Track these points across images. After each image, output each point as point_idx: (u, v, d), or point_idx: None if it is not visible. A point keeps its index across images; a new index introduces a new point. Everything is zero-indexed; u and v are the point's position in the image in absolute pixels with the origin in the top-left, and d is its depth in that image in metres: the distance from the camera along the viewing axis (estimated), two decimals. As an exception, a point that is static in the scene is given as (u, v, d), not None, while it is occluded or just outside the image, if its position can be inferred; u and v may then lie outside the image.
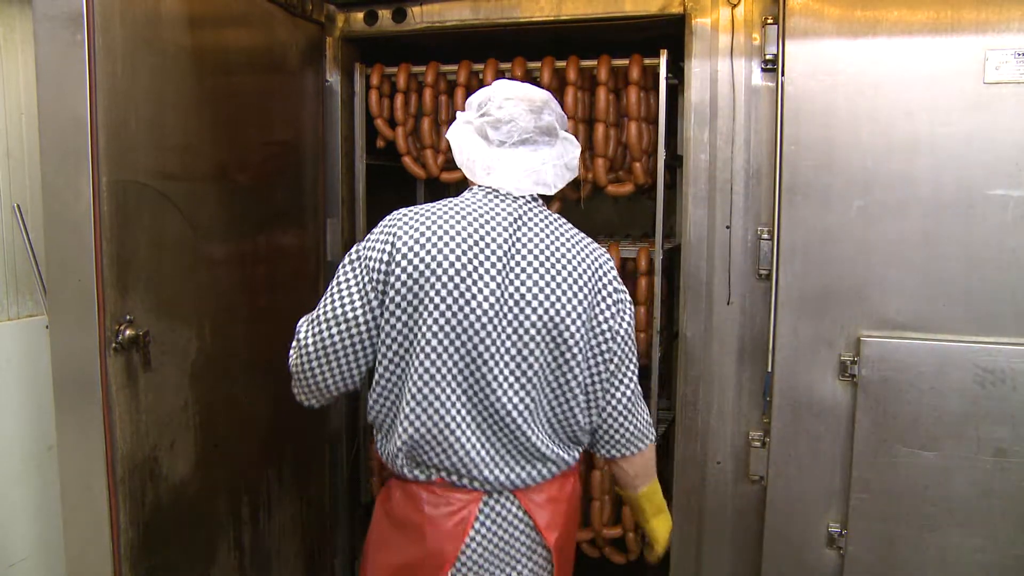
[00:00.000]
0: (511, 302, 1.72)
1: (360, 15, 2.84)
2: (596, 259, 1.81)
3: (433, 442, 1.75)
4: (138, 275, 1.92)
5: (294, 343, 1.80)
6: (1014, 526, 2.20)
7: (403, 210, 1.80)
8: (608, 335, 1.79)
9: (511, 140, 1.80)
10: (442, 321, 1.69)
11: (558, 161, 1.85)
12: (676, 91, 2.84)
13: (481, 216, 1.76)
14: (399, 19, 2.79)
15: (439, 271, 1.69)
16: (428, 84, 2.89)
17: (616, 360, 1.82)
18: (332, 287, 1.77)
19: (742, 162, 2.45)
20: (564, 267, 1.75)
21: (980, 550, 2.22)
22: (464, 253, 1.70)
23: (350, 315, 1.73)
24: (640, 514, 2.03)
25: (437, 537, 1.78)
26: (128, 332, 1.86)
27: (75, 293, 1.82)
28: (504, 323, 1.71)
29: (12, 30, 2.45)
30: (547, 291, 1.73)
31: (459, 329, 1.70)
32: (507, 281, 1.72)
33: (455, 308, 1.69)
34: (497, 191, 1.80)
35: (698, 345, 2.55)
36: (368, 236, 1.79)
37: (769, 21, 2.37)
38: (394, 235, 1.73)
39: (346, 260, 1.78)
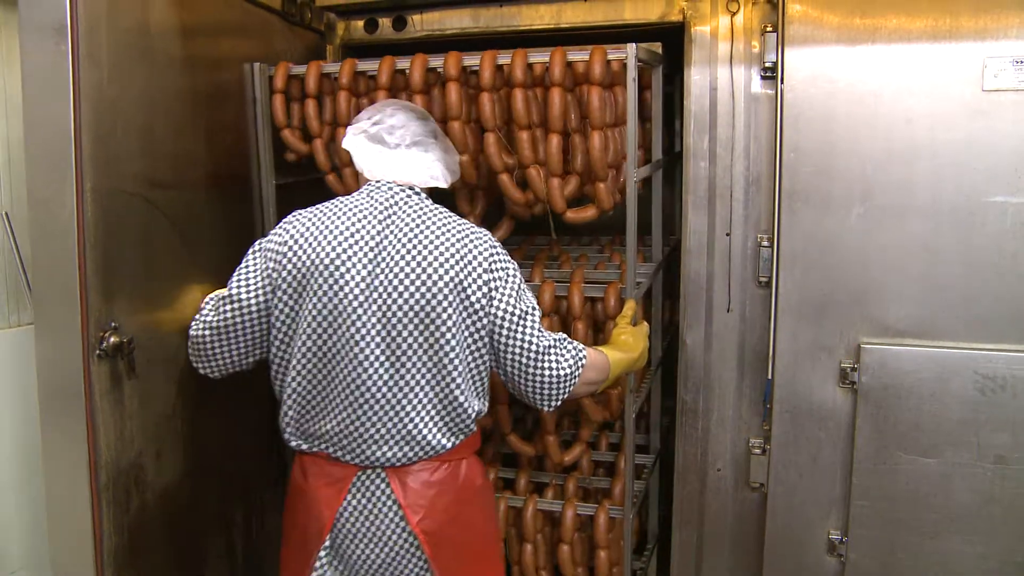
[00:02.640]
0: (381, 288, 1.83)
1: (360, 23, 2.84)
2: (469, 241, 1.89)
3: (313, 415, 1.94)
4: (123, 282, 1.93)
5: (197, 315, 2.00)
6: (1015, 533, 2.19)
7: (302, 210, 1.97)
8: (486, 309, 1.87)
9: (406, 142, 1.98)
10: (319, 307, 1.85)
11: (446, 159, 2.05)
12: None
13: (358, 210, 1.91)
14: (399, 27, 2.80)
15: (317, 263, 1.85)
16: (344, 86, 2.43)
17: (506, 328, 1.88)
18: (237, 271, 1.94)
19: (742, 169, 2.45)
20: (432, 251, 1.85)
21: (981, 557, 2.22)
22: (338, 245, 1.85)
23: (245, 299, 1.91)
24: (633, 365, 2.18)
25: (317, 503, 1.95)
26: (112, 339, 1.85)
27: (59, 300, 1.82)
28: (375, 307, 1.83)
29: (4, 38, 2.46)
30: (415, 274, 1.84)
31: (333, 314, 1.85)
32: (378, 268, 1.84)
33: (330, 295, 1.84)
34: (379, 186, 1.95)
35: (698, 352, 2.55)
36: (273, 230, 1.97)
37: (768, 29, 2.38)
38: (288, 232, 1.91)
39: (252, 249, 1.97)
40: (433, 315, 1.83)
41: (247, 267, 1.94)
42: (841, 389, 2.31)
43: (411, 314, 1.83)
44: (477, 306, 1.86)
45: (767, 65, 2.39)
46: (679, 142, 2.94)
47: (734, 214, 2.47)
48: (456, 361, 1.87)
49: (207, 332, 1.96)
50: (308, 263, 1.86)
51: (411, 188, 1.96)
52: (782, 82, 2.30)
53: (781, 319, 2.35)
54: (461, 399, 1.90)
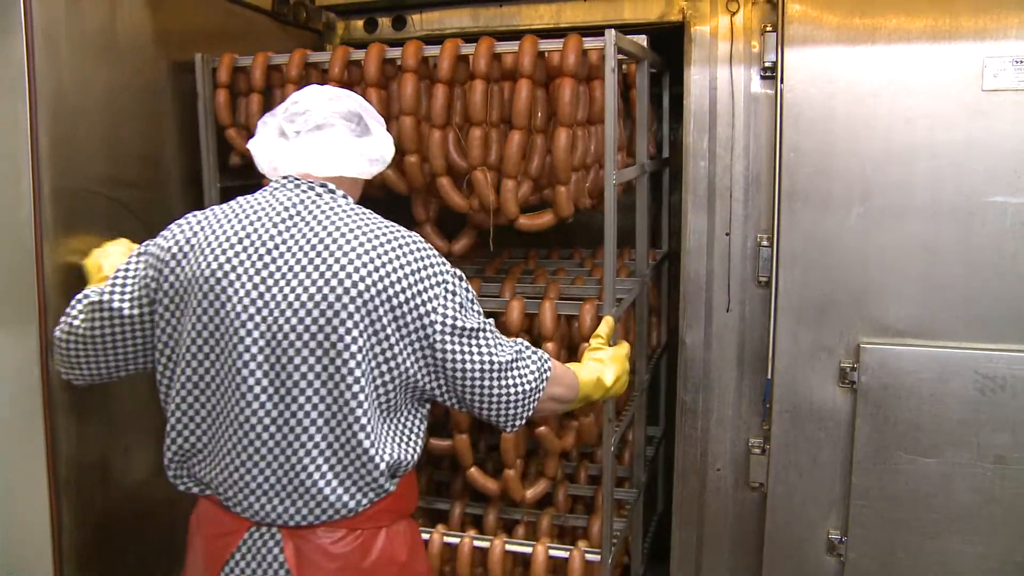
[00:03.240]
0: (272, 304, 1.53)
1: (360, 23, 2.85)
2: (391, 249, 1.56)
3: (198, 457, 1.65)
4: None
5: (64, 316, 1.69)
6: (1015, 533, 2.19)
7: (195, 212, 1.70)
8: (420, 332, 1.56)
9: (306, 128, 1.66)
10: (199, 327, 1.56)
11: (362, 143, 1.69)
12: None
13: (252, 212, 1.61)
14: (399, 27, 2.80)
15: (199, 275, 1.56)
16: (293, 79, 2.20)
17: (453, 350, 1.59)
18: (115, 274, 1.67)
19: (741, 169, 2.45)
20: (339, 260, 1.53)
21: (981, 557, 2.22)
22: (222, 254, 1.56)
23: (118, 308, 1.63)
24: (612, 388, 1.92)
25: (204, 556, 1.67)
26: None
27: (17, 298, 1.84)
28: (263, 327, 1.52)
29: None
30: (315, 288, 1.52)
31: (215, 336, 1.55)
32: (270, 280, 1.53)
33: (210, 313, 1.54)
34: (283, 183, 1.64)
35: (698, 352, 2.55)
36: (162, 232, 1.68)
37: (768, 28, 2.38)
38: (174, 237, 1.63)
39: (136, 250, 1.69)
40: (334, 338, 1.51)
41: (126, 272, 1.66)
42: (841, 389, 2.31)
43: (305, 337, 1.51)
44: (405, 330, 1.55)
45: (767, 65, 2.39)
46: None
47: (734, 214, 2.47)
48: (361, 398, 1.53)
49: (72, 339, 1.67)
50: (189, 275, 1.57)
51: (323, 185, 1.63)
52: (782, 82, 2.29)
53: (781, 319, 2.35)
54: (367, 446, 1.55)
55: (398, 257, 1.56)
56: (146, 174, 2.14)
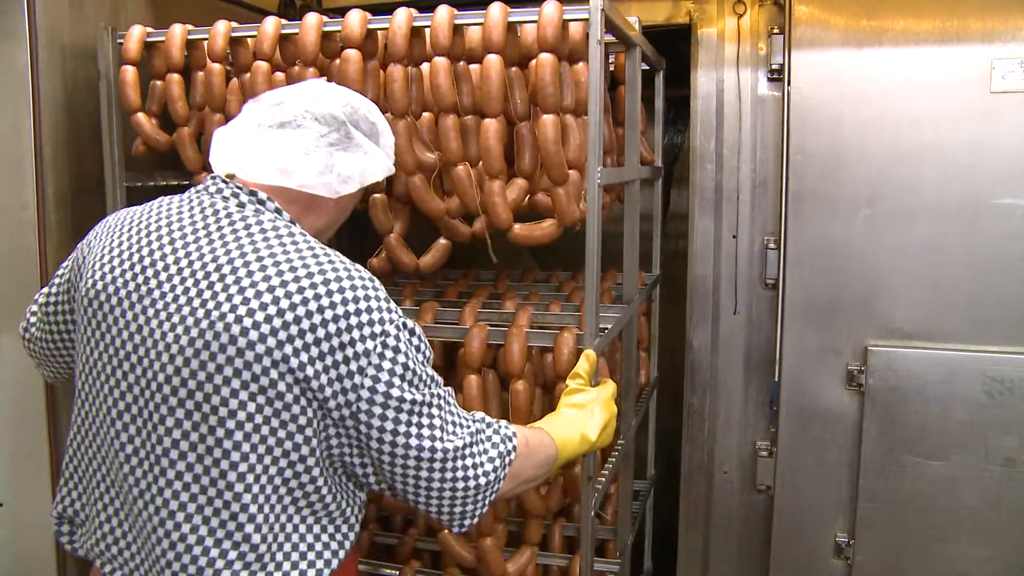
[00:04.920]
0: (148, 344, 1.24)
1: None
2: (313, 283, 1.22)
3: (85, 524, 1.39)
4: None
5: (26, 311, 1.60)
6: (1023, 537, 2.18)
7: (120, 210, 1.48)
8: (339, 400, 1.23)
9: (268, 122, 1.36)
10: (83, 359, 1.34)
11: (330, 160, 1.36)
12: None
13: (155, 220, 1.34)
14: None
15: (83, 294, 1.33)
16: (217, 57, 1.87)
17: (380, 428, 1.25)
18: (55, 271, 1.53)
19: (748, 171, 2.45)
20: (231, 302, 1.20)
21: (989, 560, 2.21)
22: (108, 271, 1.31)
23: (51, 310, 1.49)
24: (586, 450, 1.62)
25: None
26: None
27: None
28: (136, 374, 1.24)
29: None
30: (194, 335, 1.20)
31: (93, 374, 1.31)
32: (151, 313, 1.24)
33: (92, 345, 1.31)
34: (207, 185, 1.36)
35: (704, 355, 2.54)
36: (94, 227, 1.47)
37: (775, 31, 2.38)
38: (85, 240, 1.43)
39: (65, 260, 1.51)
40: (215, 400, 1.19)
41: (59, 271, 1.50)
42: (848, 391, 2.31)
43: (181, 393, 1.21)
44: (318, 395, 1.21)
45: (774, 67, 2.38)
46: (675, 154, 2.90)
47: (741, 216, 2.47)
48: (250, 480, 1.21)
49: (28, 338, 1.58)
50: (88, 290, 1.32)
51: (252, 193, 1.32)
52: (789, 84, 2.29)
53: (788, 321, 2.35)
54: (263, 550, 1.23)
55: (318, 297, 1.20)
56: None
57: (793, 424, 2.37)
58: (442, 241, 2.01)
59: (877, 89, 2.21)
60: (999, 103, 2.13)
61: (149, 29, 1.94)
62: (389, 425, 1.25)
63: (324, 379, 1.21)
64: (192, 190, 1.37)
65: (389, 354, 1.24)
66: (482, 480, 1.32)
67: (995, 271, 2.16)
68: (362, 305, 1.23)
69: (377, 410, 1.24)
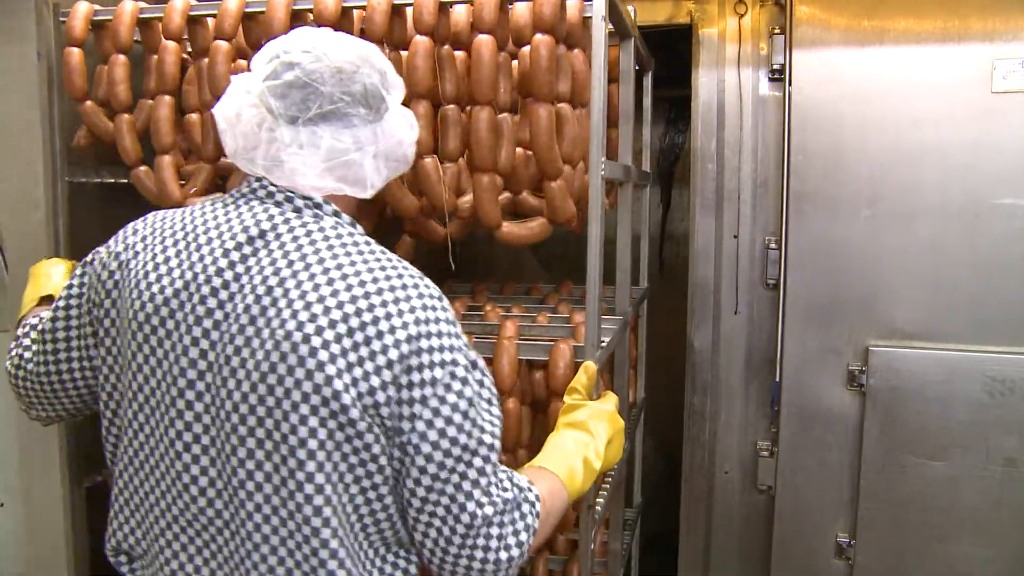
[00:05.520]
0: (215, 369, 1.14)
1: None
2: (388, 303, 1.13)
3: (145, 557, 1.27)
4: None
5: (14, 344, 1.42)
6: (1024, 537, 2.19)
7: (153, 215, 1.31)
8: (399, 432, 1.13)
9: (307, 114, 1.19)
10: (135, 388, 1.20)
11: (378, 145, 1.24)
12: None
13: (204, 233, 1.20)
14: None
15: (132, 315, 1.19)
16: (172, 34, 1.72)
17: (421, 473, 1.14)
18: (60, 294, 1.35)
19: (749, 171, 2.45)
20: (297, 319, 1.10)
21: (990, 560, 2.21)
22: (161, 292, 1.17)
23: (62, 337, 1.32)
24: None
25: None
26: None
27: None
28: (207, 401, 1.15)
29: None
30: (260, 357, 1.11)
31: (151, 404, 1.19)
32: (216, 336, 1.14)
33: (146, 372, 1.19)
34: (252, 190, 1.22)
35: (705, 355, 2.54)
36: (113, 236, 1.31)
37: (776, 31, 2.38)
38: (116, 252, 1.27)
39: (81, 262, 1.34)
40: (285, 428, 1.10)
41: (69, 291, 1.32)
42: (849, 391, 2.31)
43: (251, 421, 1.11)
44: (385, 425, 1.12)
45: (775, 67, 2.38)
46: (672, 154, 2.87)
47: (742, 216, 2.47)
48: (327, 514, 1.12)
49: (23, 376, 1.38)
50: (124, 312, 1.21)
51: (306, 198, 1.21)
52: (790, 84, 2.29)
53: (789, 321, 2.34)
54: (332, 567, 1.13)
55: (389, 316, 1.11)
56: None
57: (794, 424, 2.37)
58: (406, 238, 1.92)
59: (878, 89, 2.21)
60: (1000, 103, 2.13)
61: (96, 7, 1.76)
62: (432, 469, 1.13)
63: (393, 405, 1.11)
64: (236, 194, 1.24)
65: (456, 386, 1.14)
66: (503, 555, 1.19)
67: (996, 271, 2.16)
68: (433, 328, 1.14)
69: (426, 448, 1.13)
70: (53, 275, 1.67)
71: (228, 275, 1.16)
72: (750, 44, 2.43)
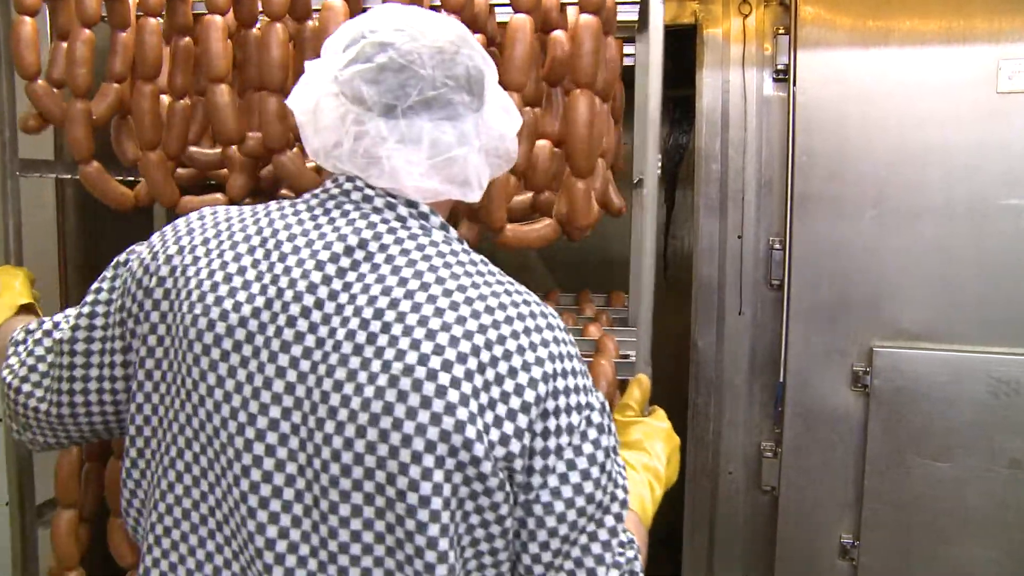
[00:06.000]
0: (307, 406, 0.94)
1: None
2: (507, 341, 0.95)
3: None
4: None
5: (13, 356, 1.19)
6: (1029, 538, 2.18)
7: (205, 212, 1.09)
8: (527, 487, 0.95)
9: (406, 101, 0.99)
10: (204, 427, 0.98)
11: (482, 139, 1.06)
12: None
13: (290, 234, 1.00)
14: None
15: (191, 332, 0.98)
16: (151, 9, 1.53)
17: (550, 536, 0.96)
18: (84, 300, 1.14)
19: (753, 172, 2.45)
20: (419, 353, 0.91)
21: (995, 562, 2.20)
22: (235, 308, 0.97)
23: (82, 350, 1.10)
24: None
25: None
26: None
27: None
28: (295, 446, 0.94)
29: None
30: (370, 395, 0.91)
31: (218, 445, 0.97)
32: (307, 366, 0.94)
33: (211, 404, 0.97)
34: (343, 192, 1.02)
35: (709, 355, 2.54)
36: (154, 235, 1.11)
37: (780, 31, 2.37)
38: (165, 252, 1.05)
39: (113, 263, 1.14)
40: (401, 483, 0.90)
41: (96, 297, 1.12)
42: (853, 392, 2.30)
43: (356, 472, 0.92)
44: (514, 480, 0.94)
45: (779, 67, 2.38)
46: (676, 154, 2.86)
47: (746, 217, 2.46)
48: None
49: (23, 397, 1.15)
50: (178, 326, 0.99)
51: (411, 205, 1.02)
52: (794, 84, 2.29)
53: (793, 322, 2.34)
54: None
55: (521, 350, 0.94)
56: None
57: (798, 425, 2.37)
58: None
59: (883, 89, 2.20)
60: (1005, 103, 2.12)
61: None
62: (563, 531, 0.96)
63: (526, 457, 0.93)
64: (323, 195, 1.03)
65: (592, 434, 0.98)
66: None
67: (1001, 272, 2.15)
68: (568, 365, 0.97)
69: (559, 507, 0.95)
70: (14, 284, 1.47)
71: (323, 292, 0.95)
72: (754, 44, 2.43)
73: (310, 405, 0.93)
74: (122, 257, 1.13)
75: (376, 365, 0.91)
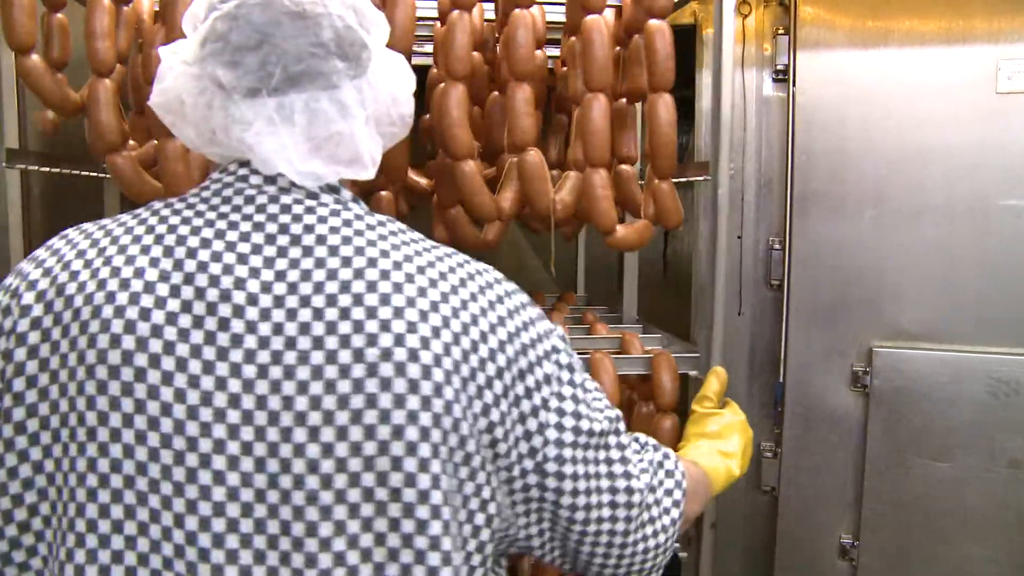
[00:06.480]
0: (269, 420, 0.80)
1: None
2: (470, 304, 0.88)
3: None
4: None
5: None
6: (1029, 538, 2.18)
7: (75, 229, 0.91)
8: (521, 444, 0.89)
9: (270, 82, 0.87)
10: (104, 471, 0.79)
11: (367, 108, 0.91)
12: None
13: (194, 234, 0.86)
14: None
15: (115, 356, 0.80)
16: None
17: (564, 483, 0.92)
18: None
19: (753, 172, 2.44)
20: (395, 334, 0.82)
21: (994, 562, 2.20)
22: (156, 313, 0.81)
23: None
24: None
25: None
26: None
27: None
28: (250, 467, 0.80)
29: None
30: (351, 392, 0.80)
31: (143, 483, 0.79)
32: (256, 373, 0.81)
33: (139, 431, 0.79)
34: (245, 176, 0.90)
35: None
36: (11, 274, 0.90)
37: (780, 31, 2.37)
38: (25, 280, 0.86)
39: None
40: (395, 480, 0.81)
41: None
42: (853, 392, 2.30)
43: (338, 480, 0.80)
44: (499, 448, 0.87)
45: (779, 68, 2.38)
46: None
47: (745, 217, 2.46)
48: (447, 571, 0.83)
49: None
50: (70, 360, 0.81)
51: (330, 187, 0.92)
52: (794, 85, 2.29)
53: (793, 322, 2.34)
54: None
55: (483, 311, 0.88)
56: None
57: (798, 425, 2.37)
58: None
59: (882, 90, 2.21)
60: (1005, 104, 2.12)
61: None
62: (581, 469, 0.92)
63: (509, 424, 0.87)
64: (214, 184, 0.91)
65: (566, 376, 0.93)
66: (667, 522, 1.01)
67: (1001, 272, 2.15)
68: (526, 316, 0.92)
69: (568, 452, 0.91)
70: None
71: (253, 286, 0.82)
72: (754, 45, 2.43)
73: (266, 416, 0.80)
74: None
75: (345, 356, 0.81)
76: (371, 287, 0.84)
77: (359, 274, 0.84)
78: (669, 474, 1.05)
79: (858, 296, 2.27)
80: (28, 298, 0.85)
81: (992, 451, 2.17)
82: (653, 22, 1.49)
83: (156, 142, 1.40)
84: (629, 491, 0.96)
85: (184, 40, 0.91)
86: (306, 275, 0.84)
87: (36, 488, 0.83)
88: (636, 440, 1.06)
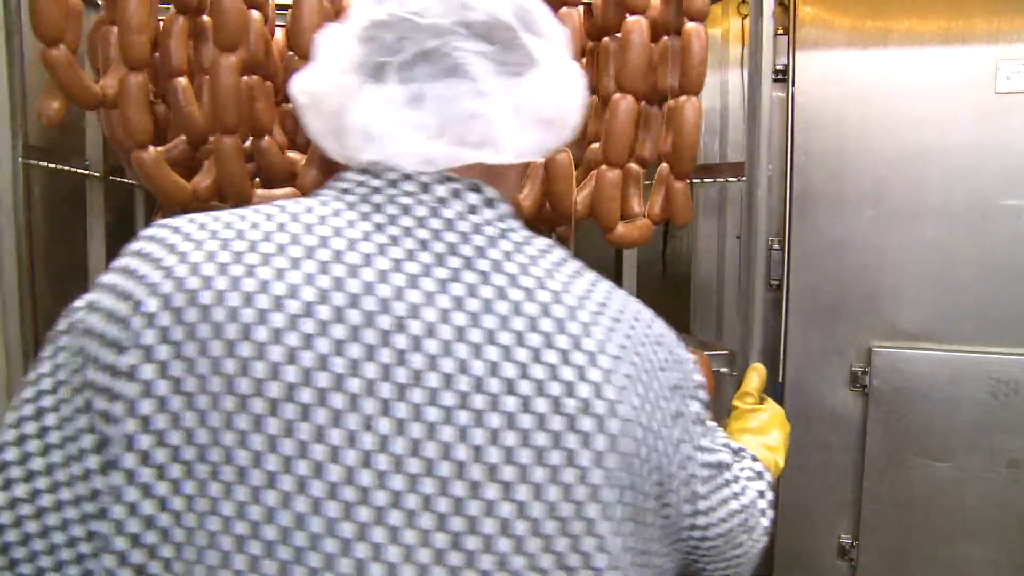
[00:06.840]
0: (460, 474, 0.69)
1: None
2: (632, 327, 0.81)
3: None
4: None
5: None
6: (1028, 538, 2.18)
7: (172, 223, 0.76)
8: (680, 485, 0.83)
9: (399, 57, 0.77)
10: (256, 519, 0.67)
11: (521, 98, 0.79)
12: None
13: (349, 251, 0.73)
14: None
15: (265, 390, 0.67)
16: None
17: (703, 499, 0.88)
18: (16, 405, 0.75)
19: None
20: (590, 382, 0.73)
21: (994, 563, 2.20)
22: (317, 339, 0.68)
23: (45, 462, 0.72)
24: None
25: None
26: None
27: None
28: (400, 521, 0.68)
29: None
30: (533, 429, 0.71)
31: (301, 539, 0.67)
32: (425, 413, 0.69)
33: (301, 477, 0.67)
34: (393, 181, 0.78)
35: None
36: (98, 281, 0.75)
37: (779, 32, 2.37)
38: (142, 282, 0.71)
39: (51, 335, 0.77)
40: (583, 546, 0.72)
41: (38, 378, 0.74)
42: (852, 392, 2.30)
43: (526, 546, 0.70)
44: (671, 485, 0.81)
45: (778, 68, 2.38)
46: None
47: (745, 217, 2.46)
48: None
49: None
50: (214, 384, 0.67)
51: (476, 188, 0.79)
52: (793, 85, 2.29)
53: (792, 322, 2.34)
54: None
55: (645, 342, 0.81)
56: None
57: (797, 425, 2.35)
58: None
59: (882, 90, 2.21)
60: (1004, 104, 2.12)
61: None
62: (715, 503, 0.89)
63: (675, 468, 0.81)
64: (358, 188, 0.78)
65: (703, 411, 0.90)
66: (766, 523, 1.00)
67: (1001, 272, 2.15)
68: (679, 353, 0.87)
69: (701, 488, 0.87)
70: None
71: (430, 315, 0.71)
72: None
73: (452, 467, 0.68)
74: (62, 325, 0.76)
75: (541, 405, 0.70)
76: (560, 327, 0.74)
77: (545, 311, 0.74)
78: (767, 490, 1.02)
79: (857, 296, 2.27)
80: (151, 304, 0.70)
81: (992, 451, 2.17)
82: (691, 25, 1.49)
83: (212, 138, 1.37)
84: (744, 509, 0.93)
85: (339, 31, 0.83)
86: (487, 306, 0.73)
87: (158, 527, 0.68)
88: (737, 453, 1.02)
